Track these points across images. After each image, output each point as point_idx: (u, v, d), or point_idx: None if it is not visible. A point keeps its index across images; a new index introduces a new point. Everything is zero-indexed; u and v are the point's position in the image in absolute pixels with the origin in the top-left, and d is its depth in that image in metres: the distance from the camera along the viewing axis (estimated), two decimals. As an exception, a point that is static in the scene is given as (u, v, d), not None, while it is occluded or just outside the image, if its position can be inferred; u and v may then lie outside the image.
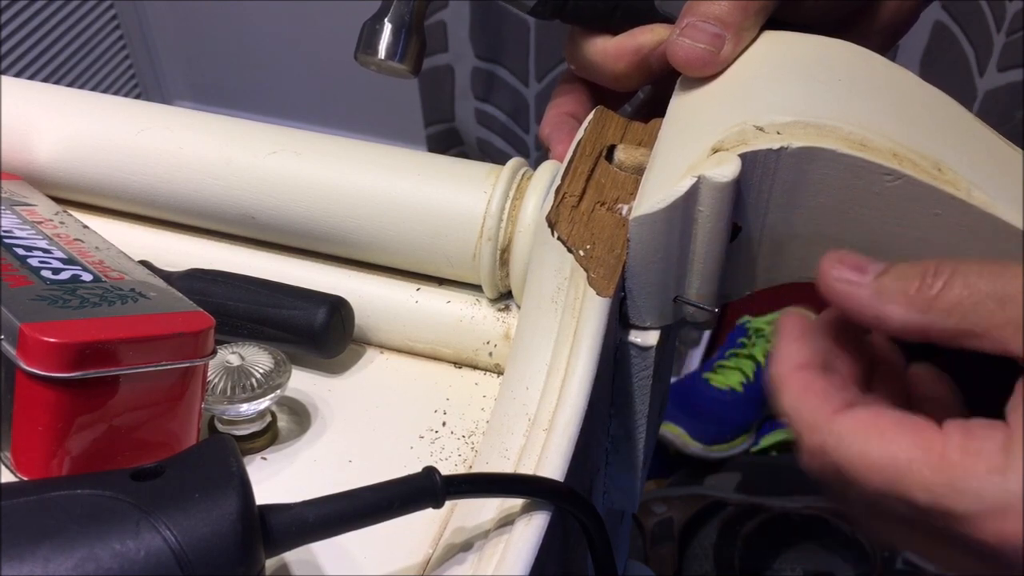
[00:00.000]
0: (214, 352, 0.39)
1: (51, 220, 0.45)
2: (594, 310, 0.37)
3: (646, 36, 0.44)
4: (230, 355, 0.41)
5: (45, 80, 1.53)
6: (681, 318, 0.41)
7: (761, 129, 0.37)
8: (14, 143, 0.50)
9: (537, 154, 1.40)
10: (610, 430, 0.43)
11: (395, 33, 0.42)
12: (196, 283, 0.44)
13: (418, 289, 0.47)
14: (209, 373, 0.40)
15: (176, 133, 0.49)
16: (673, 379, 1.28)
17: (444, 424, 0.43)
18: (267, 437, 0.42)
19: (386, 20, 0.42)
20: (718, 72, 0.41)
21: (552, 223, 0.39)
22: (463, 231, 0.45)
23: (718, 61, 0.40)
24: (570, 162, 0.42)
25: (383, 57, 0.42)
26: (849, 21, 0.45)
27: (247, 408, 0.40)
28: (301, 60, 1.66)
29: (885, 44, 0.46)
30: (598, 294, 0.37)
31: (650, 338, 0.40)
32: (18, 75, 1.47)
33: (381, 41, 0.42)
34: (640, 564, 0.74)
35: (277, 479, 0.40)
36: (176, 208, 0.49)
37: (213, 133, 0.49)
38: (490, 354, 0.46)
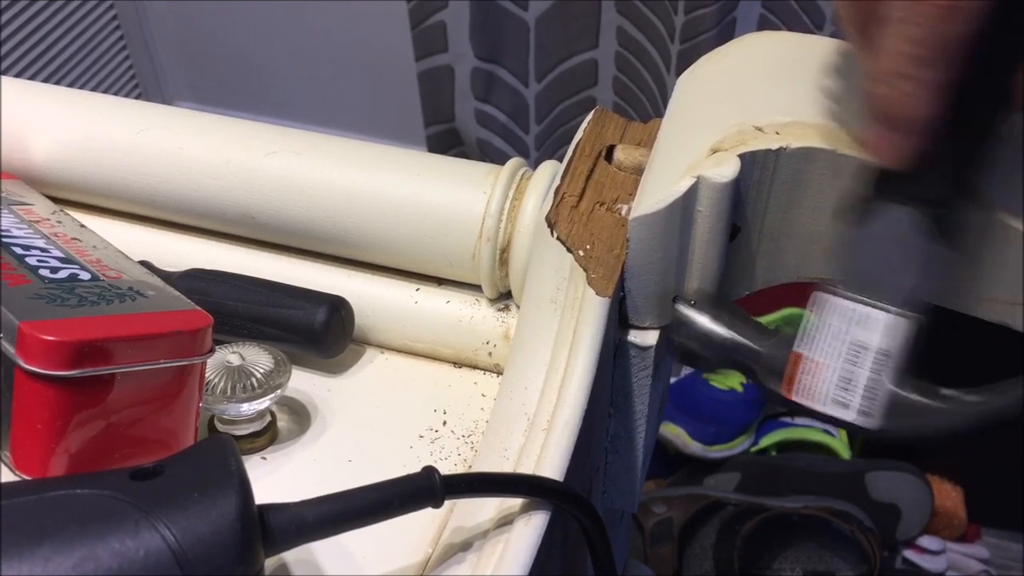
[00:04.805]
0: (212, 350, 0.39)
1: (48, 219, 0.45)
2: (593, 310, 0.37)
3: None
4: (230, 355, 0.41)
5: (45, 80, 1.53)
6: (680, 318, 0.41)
7: (760, 129, 0.37)
8: (12, 143, 0.50)
9: (537, 154, 1.40)
10: (610, 430, 0.43)
11: None
12: (196, 283, 0.44)
13: (418, 289, 0.47)
14: (209, 373, 0.40)
15: (176, 133, 0.49)
16: (673, 379, 1.28)
17: (444, 424, 0.43)
18: (267, 437, 0.42)
19: None
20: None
21: (551, 223, 0.39)
22: (463, 231, 0.45)
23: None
24: (569, 162, 0.42)
25: None
26: None
27: (247, 408, 0.40)
28: (301, 60, 1.66)
29: None
30: (597, 294, 0.37)
31: (649, 338, 0.40)
32: (18, 75, 1.47)
33: None
34: (640, 564, 0.74)
35: (277, 479, 0.40)
36: (176, 208, 0.49)
37: (213, 133, 0.49)
38: (489, 354, 0.46)
